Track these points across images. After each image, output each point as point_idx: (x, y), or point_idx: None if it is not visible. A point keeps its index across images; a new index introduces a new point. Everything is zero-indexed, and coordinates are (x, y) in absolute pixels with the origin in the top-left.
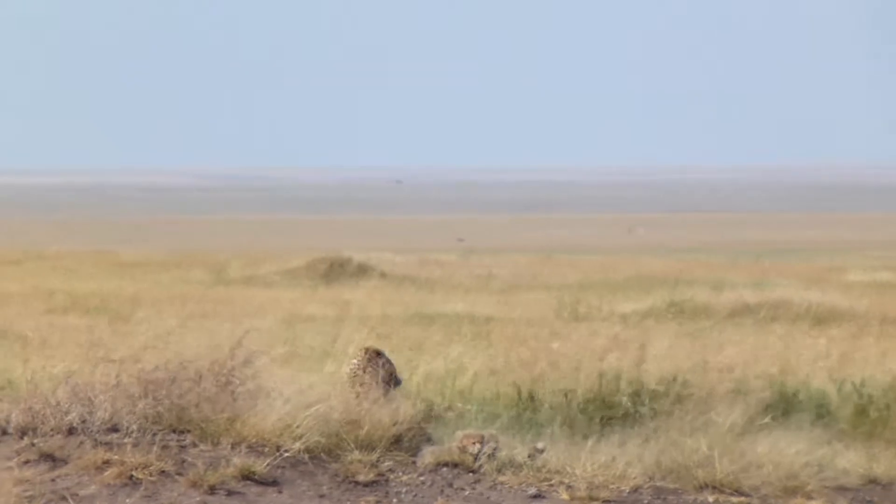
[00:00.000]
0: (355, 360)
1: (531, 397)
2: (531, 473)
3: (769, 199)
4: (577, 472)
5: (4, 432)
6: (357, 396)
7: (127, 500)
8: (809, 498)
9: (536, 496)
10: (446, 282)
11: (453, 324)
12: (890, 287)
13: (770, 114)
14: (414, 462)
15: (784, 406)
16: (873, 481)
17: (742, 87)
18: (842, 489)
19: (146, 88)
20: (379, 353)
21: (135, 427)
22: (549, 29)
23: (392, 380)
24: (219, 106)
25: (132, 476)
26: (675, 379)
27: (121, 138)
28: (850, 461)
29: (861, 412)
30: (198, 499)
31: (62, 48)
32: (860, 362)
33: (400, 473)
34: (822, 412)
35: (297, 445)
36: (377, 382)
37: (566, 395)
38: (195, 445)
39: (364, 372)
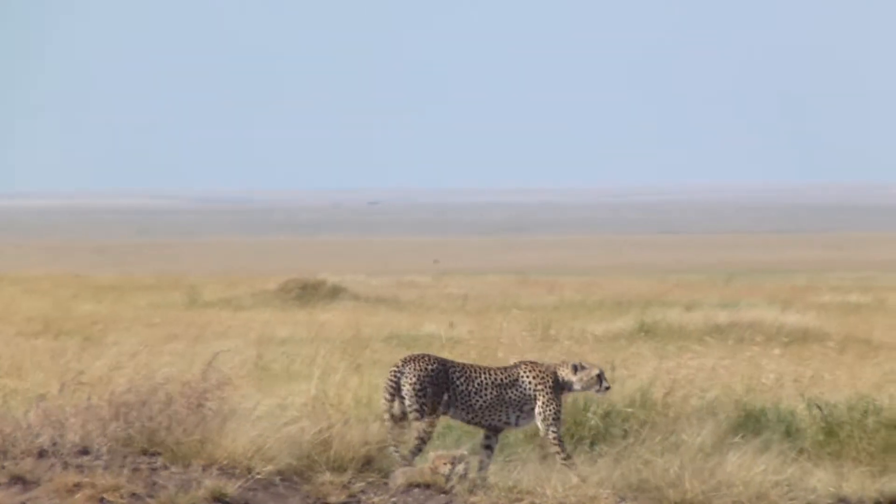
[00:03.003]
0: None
1: None
2: (503, 494)
3: (748, 219)
4: (548, 492)
5: None
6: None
7: None
8: None
9: None
10: (420, 303)
11: (426, 345)
12: (861, 308)
13: (751, 133)
14: (386, 483)
15: (753, 426)
16: (842, 500)
17: (720, 107)
18: None
19: (131, 113)
20: (416, 359)
21: (105, 450)
22: (526, 50)
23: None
24: (199, 129)
25: (103, 499)
26: (644, 399)
27: (105, 161)
28: (820, 480)
29: (829, 432)
30: None
31: (53, 72)
32: (829, 382)
33: (372, 495)
34: (790, 431)
35: (269, 467)
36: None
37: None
38: (166, 468)
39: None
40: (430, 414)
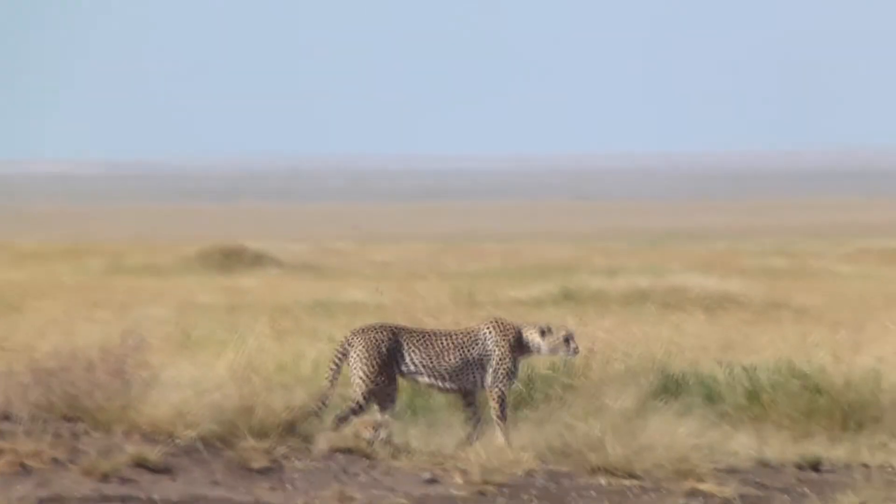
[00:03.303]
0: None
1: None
2: (426, 458)
3: (668, 186)
4: (472, 456)
5: None
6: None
7: (19, 488)
8: (700, 480)
9: (431, 481)
10: (344, 270)
11: (352, 312)
12: (782, 273)
13: (671, 99)
14: (308, 448)
15: (674, 390)
16: (764, 464)
17: (638, 72)
18: (732, 471)
19: (49, 78)
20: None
21: (26, 416)
22: (446, 16)
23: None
24: (119, 94)
25: (24, 464)
26: (566, 364)
27: (24, 127)
28: (741, 444)
29: (750, 396)
30: (91, 486)
31: None
32: (750, 347)
33: (294, 460)
34: (712, 396)
35: (191, 433)
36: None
37: None
38: (88, 434)
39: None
40: (374, 385)
